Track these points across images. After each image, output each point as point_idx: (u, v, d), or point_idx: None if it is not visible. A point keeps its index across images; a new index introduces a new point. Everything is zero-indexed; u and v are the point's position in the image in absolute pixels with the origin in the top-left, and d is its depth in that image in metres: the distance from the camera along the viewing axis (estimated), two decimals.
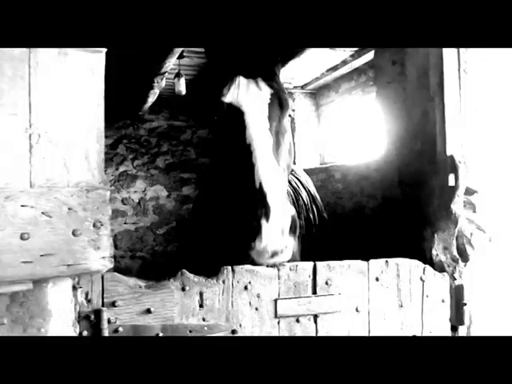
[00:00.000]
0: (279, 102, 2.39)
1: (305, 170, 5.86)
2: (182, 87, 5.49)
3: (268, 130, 2.23)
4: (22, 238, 1.73)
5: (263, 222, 1.92)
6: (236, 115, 2.28)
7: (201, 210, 3.26)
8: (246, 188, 2.09)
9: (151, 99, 6.25)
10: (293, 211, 2.05)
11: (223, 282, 2.12)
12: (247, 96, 2.31)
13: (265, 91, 2.35)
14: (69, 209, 1.81)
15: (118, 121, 7.18)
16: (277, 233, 1.94)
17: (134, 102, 6.56)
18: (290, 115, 2.51)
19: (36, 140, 1.80)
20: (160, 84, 5.46)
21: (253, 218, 1.95)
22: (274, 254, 1.99)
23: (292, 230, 2.01)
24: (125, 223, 7.11)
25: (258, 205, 1.96)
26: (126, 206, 7.16)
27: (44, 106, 1.81)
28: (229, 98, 2.34)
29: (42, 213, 1.77)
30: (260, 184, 2.02)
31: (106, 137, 7.13)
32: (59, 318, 1.91)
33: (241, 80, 2.36)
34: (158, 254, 7.16)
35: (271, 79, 2.44)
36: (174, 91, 5.79)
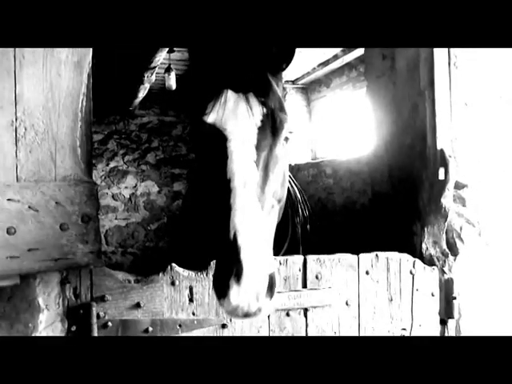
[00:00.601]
0: (272, 124, 1.96)
1: (296, 166, 5.85)
2: (172, 82, 5.46)
3: (254, 163, 1.84)
4: (8, 232, 1.71)
5: (232, 283, 1.56)
6: (218, 140, 1.89)
7: (189, 208, 3.19)
8: (222, 229, 1.72)
9: (141, 94, 6.21)
10: (274, 267, 1.71)
11: (213, 276, 2.11)
12: (234, 118, 1.91)
13: (256, 112, 1.93)
14: (56, 203, 1.79)
15: (108, 116, 7.13)
16: (249, 297, 1.58)
17: (125, 97, 6.52)
18: (286, 138, 2.05)
19: (22, 133, 1.78)
20: (150, 79, 5.43)
21: (223, 273, 1.61)
22: (246, 315, 1.62)
23: (269, 290, 1.64)
24: (116, 219, 7.07)
25: (231, 259, 1.60)
26: (116, 201, 7.12)
27: (30, 99, 1.79)
28: (212, 117, 1.92)
29: (29, 207, 1.75)
30: (235, 235, 1.63)
31: (97, 132, 7.08)
32: (47, 314, 1.89)
33: (229, 95, 1.95)
34: (150, 249, 7.13)
35: (266, 93, 2.01)
36: (165, 86, 5.76)
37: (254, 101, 1.95)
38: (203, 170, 2.07)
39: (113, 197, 7.06)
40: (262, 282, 1.60)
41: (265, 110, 1.95)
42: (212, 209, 1.90)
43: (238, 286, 1.55)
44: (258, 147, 1.88)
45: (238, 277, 1.55)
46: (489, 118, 2.70)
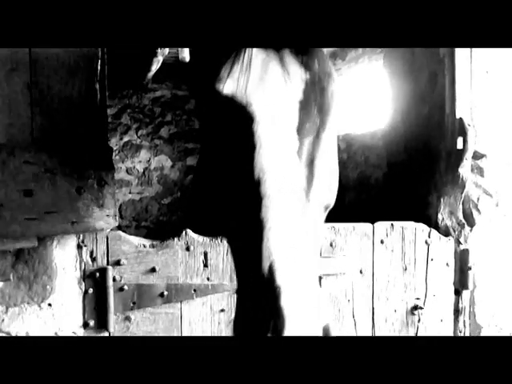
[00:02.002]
0: (320, 97, 1.31)
1: None
2: (185, 54, 5.39)
3: (295, 155, 1.23)
4: (25, 194, 1.72)
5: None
6: (240, 120, 1.24)
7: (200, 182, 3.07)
8: (250, 253, 1.13)
9: (154, 67, 6.15)
10: (330, 317, 1.21)
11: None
12: (262, 87, 1.25)
13: (295, 78, 1.28)
14: (72, 166, 1.80)
15: (121, 90, 7.11)
16: None
17: (138, 70, 6.47)
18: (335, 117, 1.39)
19: (38, 96, 1.77)
20: (163, 51, 5.37)
21: (253, 325, 1.07)
22: None
23: None
24: (129, 193, 7.11)
25: (266, 307, 1.05)
26: (130, 175, 7.15)
27: (45, 60, 1.78)
28: (230, 86, 1.25)
29: (45, 170, 1.75)
30: (271, 268, 1.06)
31: (110, 106, 7.07)
32: (64, 276, 1.92)
33: (254, 54, 1.26)
34: (163, 223, 7.18)
35: (308, 51, 1.32)
36: (178, 59, 5.70)
37: (291, 61, 1.30)
38: (216, 163, 1.35)
39: (126, 171, 7.09)
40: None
41: (308, 75, 1.30)
42: (231, 223, 1.27)
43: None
44: (300, 132, 1.26)
45: (277, 331, 1.03)
46: (509, 87, 2.63)
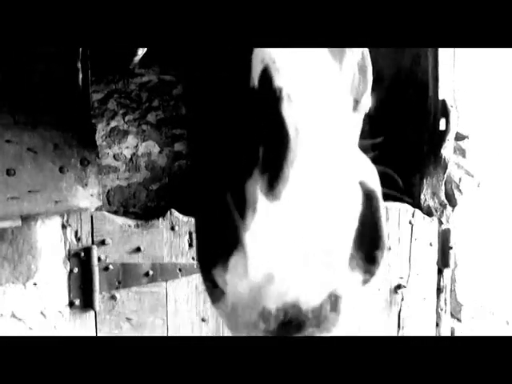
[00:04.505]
0: (363, 80, 1.09)
1: None
2: None
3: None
4: (8, 173, 1.72)
5: None
6: (265, 108, 0.82)
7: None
8: None
9: (141, 52, 6.09)
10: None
11: None
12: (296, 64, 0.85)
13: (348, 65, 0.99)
14: (55, 145, 1.79)
15: (107, 75, 7.03)
16: None
17: (124, 55, 6.40)
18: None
19: (21, 77, 1.76)
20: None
21: None
22: None
23: None
24: (117, 179, 7.08)
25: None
26: (117, 161, 7.11)
27: None
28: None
29: (28, 149, 1.75)
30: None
31: (96, 92, 7.00)
32: (49, 256, 1.93)
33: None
34: (151, 209, 7.17)
35: None
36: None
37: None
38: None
39: (114, 157, 7.04)
40: None
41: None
42: None
43: None
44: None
45: None
46: (492, 68, 2.66)
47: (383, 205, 0.83)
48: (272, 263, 0.72)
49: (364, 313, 2.42)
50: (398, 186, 1.55)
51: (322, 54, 0.88)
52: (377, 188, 0.83)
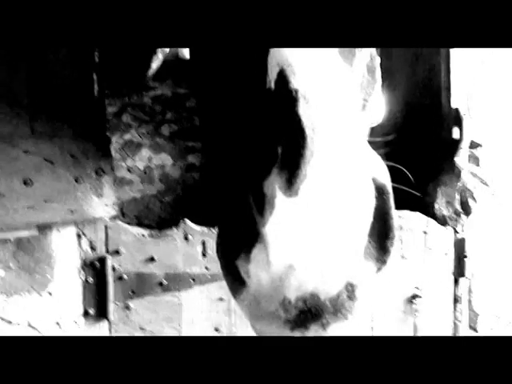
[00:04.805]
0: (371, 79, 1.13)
1: None
2: (185, 51, 5.42)
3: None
4: (25, 183, 1.75)
5: None
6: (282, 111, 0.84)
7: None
8: None
9: (155, 65, 6.18)
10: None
11: None
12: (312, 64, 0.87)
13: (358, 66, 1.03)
14: (71, 156, 1.83)
15: (121, 89, 7.14)
16: None
17: (138, 68, 6.50)
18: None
19: (37, 87, 1.80)
20: (163, 49, 5.40)
21: None
22: None
23: None
24: (131, 191, 7.14)
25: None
26: (131, 174, 7.18)
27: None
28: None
29: (45, 159, 1.78)
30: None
31: (110, 105, 7.10)
32: (64, 265, 1.95)
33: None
34: (165, 221, 7.21)
35: None
36: (178, 56, 5.72)
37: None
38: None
39: (128, 169, 7.12)
40: None
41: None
42: None
43: None
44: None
45: None
46: (505, 76, 2.65)
47: (392, 197, 0.88)
48: (292, 255, 0.77)
49: (378, 309, 2.40)
50: (409, 180, 1.61)
51: (334, 56, 0.92)
52: (387, 182, 0.88)
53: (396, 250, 2.23)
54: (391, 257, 0.86)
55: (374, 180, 0.84)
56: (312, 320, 0.82)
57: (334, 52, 0.92)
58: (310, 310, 0.81)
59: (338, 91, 0.88)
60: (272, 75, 0.86)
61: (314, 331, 0.85)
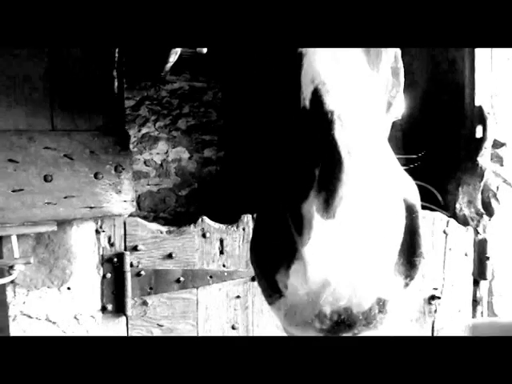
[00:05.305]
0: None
1: None
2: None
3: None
4: (45, 179, 1.75)
5: None
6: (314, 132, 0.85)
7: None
8: None
9: (172, 59, 6.17)
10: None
11: (243, 229, 2.13)
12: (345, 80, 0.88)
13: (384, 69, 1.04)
14: (91, 152, 1.82)
15: (139, 82, 7.16)
16: None
17: (155, 62, 6.51)
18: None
19: (57, 83, 1.80)
20: None
21: None
22: None
23: None
24: (147, 184, 7.18)
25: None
26: (148, 167, 7.21)
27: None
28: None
29: (64, 155, 1.78)
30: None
31: (128, 98, 7.12)
32: (83, 261, 1.95)
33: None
34: (181, 214, 7.24)
35: None
36: (195, 50, 5.71)
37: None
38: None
39: (145, 163, 7.15)
40: None
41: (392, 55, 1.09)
42: None
43: None
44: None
45: None
46: None
47: (422, 216, 0.90)
48: (328, 272, 0.81)
49: (405, 315, 2.38)
50: (437, 200, 1.73)
51: (362, 64, 0.94)
52: (417, 202, 0.90)
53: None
54: (419, 272, 0.89)
55: (404, 200, 0.86)
56: (345, 330, 0.87)
57: (361, 60, 0.94)
58: (344, 322, 0.85)
59: (369, 107, 0.89)
60: (306, 93, 0.87)
61: None
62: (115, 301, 1.99)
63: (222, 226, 2.12)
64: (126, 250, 2.00)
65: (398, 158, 0.94)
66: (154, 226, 2.05)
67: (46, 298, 1.91)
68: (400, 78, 1.22)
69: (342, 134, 0.81)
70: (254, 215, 2.13)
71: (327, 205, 0.79)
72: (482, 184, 2.51)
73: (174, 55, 6.22)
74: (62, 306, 1.94)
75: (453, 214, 2.54)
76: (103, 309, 1.99)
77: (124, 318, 2.01)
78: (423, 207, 0.96)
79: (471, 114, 2.47)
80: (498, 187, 2.56)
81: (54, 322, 1.94)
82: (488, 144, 2.45)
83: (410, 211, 0.87)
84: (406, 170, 0.94)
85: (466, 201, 2.54)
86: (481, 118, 2.43)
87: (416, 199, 0.90)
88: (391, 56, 1.15)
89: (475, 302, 2.53)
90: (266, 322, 2.22)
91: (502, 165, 2.56)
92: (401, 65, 1.23)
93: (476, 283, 2.53)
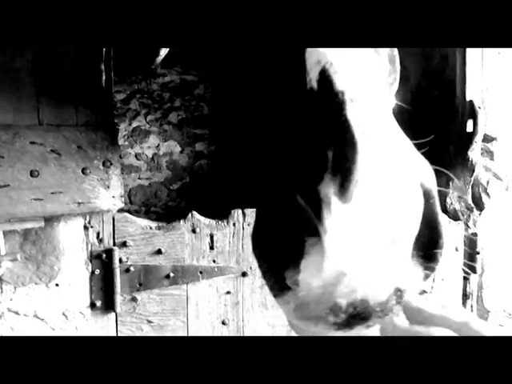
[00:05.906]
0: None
1: None
2: None
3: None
4: (31, 174, 1.73)
5: None
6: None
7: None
8: None
9: (163, 52, 6.12)
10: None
11: (234, 224, 2.12)
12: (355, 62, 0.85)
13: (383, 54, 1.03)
14: (78, 147, 1.80)
15: (130, 75, 7.09)
16: None
17: (146, 55, 6.45)
18: None
19: (44, 78, 1.77)
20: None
21: None
22: None
23: None
24: (139, 178, 7.13)
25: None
26: (139, 161, 7.16)
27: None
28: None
29: (51, 150, 1.76)
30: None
31: (119, 92, 7.07)
32: (71, 257, 1.93)
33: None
34: (172, 209, 7.21)
35: None
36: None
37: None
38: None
39: (136, 156, 7.09)
40: None
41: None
42: None
43: None
44: None
45: None
46: None
47: (438, 202, 0.84)
48: (344, 262, 0.76)
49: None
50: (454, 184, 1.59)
51: (369, 50, 0.90)
52: (434, 187, 0.84)
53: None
54: (439, 264, 0.84)
55: (421, 185, 0.80)
56: (359, 323, 0.83)
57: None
58: (359, 314, 0.81)
59: (376, 88, 0.85)
60: (313, 74, 0.83)
61: (356, 330, 0.85)
62: (104, 297, 1.97)
63: (211, 221, 2.10)
64: (114, 245, 1.98)
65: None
66: (144, 222, 2.03)
67: (34, 294, 1.89)
68: (396, 65, 1.16)
69: (355, 115, 0.76)
70: (245, 210, 2.12)
71: (343, 188, 0.74)
72: (472, 178, 2.51)
73: (165, 49, 6.16)
74: (51, 302, 1.92)
75: (443, 209, 2.54)
76: (92, 305, 1.97)
77: (113, 314, 2.00)
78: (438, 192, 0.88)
79: (462, 109, 2.46)
80: (488, 181, 2.56)
81: (42, 319, 1.92)
82: (478, 138, 2.45)
83: (428, 197, 0.82)
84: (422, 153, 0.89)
85: (456, 195, 2.54)
86: (471, 113, 2.43)
87: (433, 184, 0.84)
88: None
89: (465, 297, 2.54)
90: (257, 319, 2.22)
91: (492, 159, 2.56)
92: (396, 52, 1.17)
93: (466, 277, 2.54)
